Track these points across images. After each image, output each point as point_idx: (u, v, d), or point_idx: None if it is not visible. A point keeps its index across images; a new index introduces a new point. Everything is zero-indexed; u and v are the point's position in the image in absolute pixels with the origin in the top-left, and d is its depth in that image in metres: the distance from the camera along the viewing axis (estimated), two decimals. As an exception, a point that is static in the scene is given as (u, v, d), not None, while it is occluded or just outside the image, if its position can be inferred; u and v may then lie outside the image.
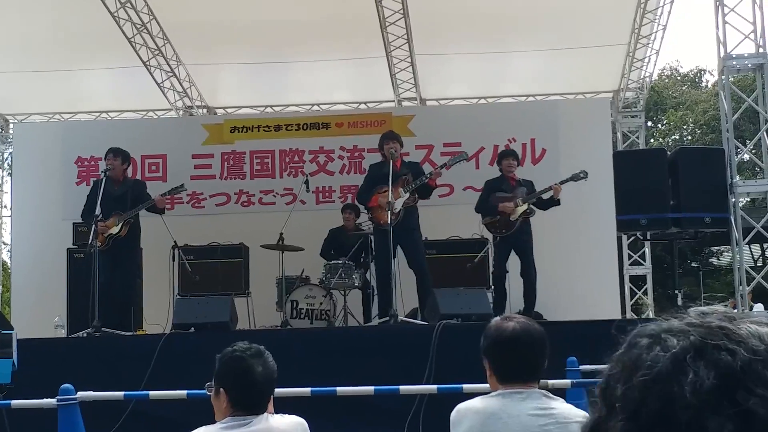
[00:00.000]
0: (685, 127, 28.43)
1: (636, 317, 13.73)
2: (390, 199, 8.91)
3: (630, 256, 13.85)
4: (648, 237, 10.41)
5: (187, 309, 8.92)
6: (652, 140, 26.68)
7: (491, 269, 10.15)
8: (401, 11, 11.48)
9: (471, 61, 13.38)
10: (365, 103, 14.30)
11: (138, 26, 11.95)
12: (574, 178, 9.48)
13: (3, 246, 16.13)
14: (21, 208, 13.62)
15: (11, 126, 14.83)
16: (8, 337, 7.02)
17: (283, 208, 12.14)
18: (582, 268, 12.21)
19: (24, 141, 13.95)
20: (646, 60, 13.17)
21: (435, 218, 10.81)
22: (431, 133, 12.84)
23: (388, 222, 8.86)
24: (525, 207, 9.43)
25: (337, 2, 11.60)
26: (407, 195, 9.16)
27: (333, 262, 10.09)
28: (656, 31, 12.42)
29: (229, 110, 14.55)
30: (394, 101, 13.99)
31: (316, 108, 14.27)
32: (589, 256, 12.29)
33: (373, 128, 12.54)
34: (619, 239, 13.25)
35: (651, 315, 13.81)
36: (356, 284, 10.02)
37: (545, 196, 9.51)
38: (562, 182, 9.47)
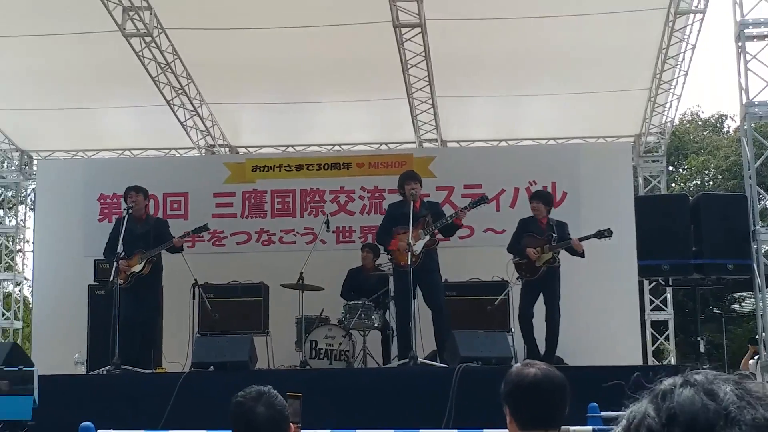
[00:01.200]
0: (706, 172, 28.35)
1: (657, 363, 13.63)
2: (410, 241, 8.91)
3: (652, 302, 13.76)
4: (670, 282, 10.36)
5: (207, 348, 8.92)
6: (673, 185, 26.62)
7: (516, 310, 10.08)
8: (423, 53, 11.56)
9: (492, 103, 13.44)
10: (386, 144, 14.36)
11: (162, 65, 12.08)
12: (598, 235, 9.38)
13: (25, 281, 16.21)
14: (43, 244, 13.69)
15: (35, 162, 14.97)
16: (29, 374, 7.05)
17: (304, 247, 12.16)
18: (604, 313, 12.14)
19: (47, 177, 14.06)
20: (668, 105, 13.19)
21: (455, 260, 10.80)
22: (452, 175, 12.86)
23: (408, 263, 8.86)
24: (549, 256, 9.39)
25: (360, 44, 11.70)
26: (427, 237, 9.16)
27: (353, 302, 10.08)
28: (678, 77, 12.45)
29: (250, 149, 14.64)
30: (415, 142, 14.04)
31: (337, 148, 14.34)
32: (611, 301, 12.22)
33: (394, 169, 12.57)
34: (641, 284, 13.17)
35: (673, 361, 13.72)
36: (376, 325, 10.00)
37: (569, 252, 9.48)
38: (583, 239, 9.43)
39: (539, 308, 9.63)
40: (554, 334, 9.37)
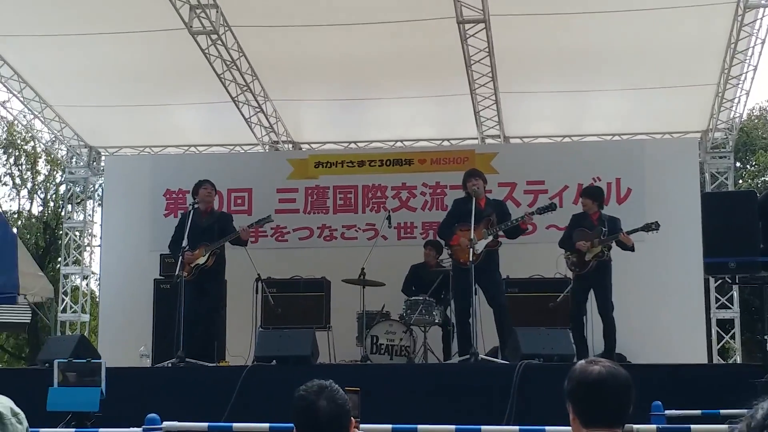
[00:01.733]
0: (775, 168, 27.77)
1: (723, 362, 13.43)
2: (472, 237, 8.89)
3: (717, 300, 13.54)
4: (736, 280, 10.16)
5: (270, 342, 8.99)
6: (741, 181, 26.12)
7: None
8: (486, 49, 11.51)
9: (555, 98, 13.34)
10: (448, 140, 14.32)
11: (228, 62, 12.20)
12: (646, 228, 9.44)
13: (92, 275, 16.50)
14: (110, 239, 13.94)
15: (103, 158, 15.23)
16: (97, 366, 7.19)
17: (365, 243, 12.21)
18: (668, 311, 11.99)
19: (115, 173, 14.31)
20: (736, 100, 12.95)
21: (517, 256, 10.74)
22: (514, 171, 12.80)
23: (469, 261, 8.83)
24: (598, 249, 9.35)
25: (423, 39, 11.69)
26: (490, 237, 9.12)
27: (414, 298, 10.09)
28: (747, 72, 12.21)
29: (313, 146, 14.72)
30: (477, 138, 13.99)
31: (399, 144, 14.35)
32: (676, 298, 12.07)
33: (456, 165, 12.56)
34: (707, 282, 12.97)
35: (738, 360, 13.49)
36: (436, 321, 9.99)
37: (620, 246, 9.45)
38: (630, 232, 9.40)
39: (592, 305, 9.56)
40: (611, 330, 9.27)
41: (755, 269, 9.30)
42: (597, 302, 9.47)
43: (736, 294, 13.49)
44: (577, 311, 9.61)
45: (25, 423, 2.20)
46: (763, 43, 11.56)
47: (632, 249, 9.49)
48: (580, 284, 9.60)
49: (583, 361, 3.18)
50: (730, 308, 13.53)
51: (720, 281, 12.99)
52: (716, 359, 13.24)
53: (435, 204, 12.92)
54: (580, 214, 9.83)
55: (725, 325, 13.73)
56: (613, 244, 9.44)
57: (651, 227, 9.44)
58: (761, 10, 11.04)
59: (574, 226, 9.73)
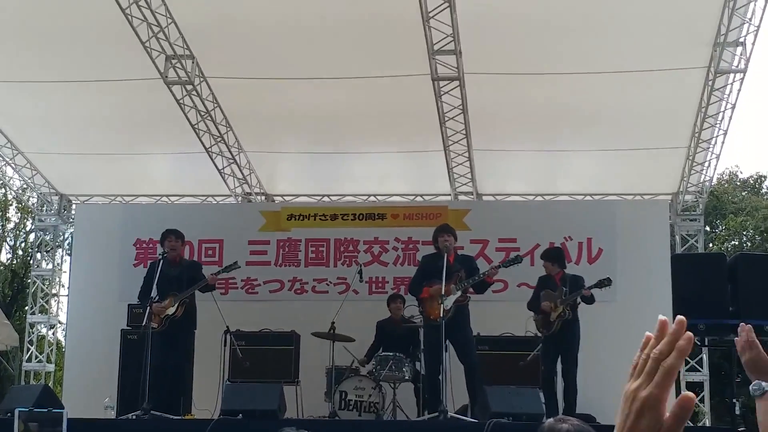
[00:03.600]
0: (744, 233, 28.07)
1: (692, 425, 13.39)
2: (442, 294, 8.88)
3: (687, 362, 13.55)
4: (706, 343, 10.20)
5: (236, 395, 8.89)
6: (711, 245, 26.35)
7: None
8: (460, 106, 11.60)
9: (528, 157, 13.44)
10: (421, 195, 14.36)
11: (202, 113, 12.21)
12: (599, 284, 9.67)
13: (59, 325, 16.30)
14: (78, 288, 13.79)
15: (74, 206, 15.13)
16: (59, 416, 7.06)
17: (336, 297, 12.14)
18: (637, 372, 11.96)
19: (85, 221, 14.20)
20: (706, 164, 13.09)
21: (488, 314, 10.73)
22: (487, 228, 12.83)
23: (439, 316, 8.82)
24: (560, 310, 9.57)
25: (397, 96, 11.77)
26: (459, 293, 9.13)
27: (383, 353, 10.02)
28: (717, 136, 12.37)
29: (286, 198, 14.71)
30: (450, 195, 14.03)
31: (372, 198, 14.36)
32: (645, 359, 12.05)
33: (429, 221, 12.57)
34: (675, 343, 12.96)
35: (708, 423, 13.46)
36: (406, 377, 9.92)
37: (578, 300, 9.73)
38: (588, 288, 9.69)
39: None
40: (572, 389, 9.41)
41: (724, 332, 9.32)
42: (562, 363, 9.65)
43: (705, 357, 13.51)
44: (547, 371, 9.73)
45: None
46: (733, 108, 11.72)
47: (591, 301, 9.79)
48: (548, 345, 9.75)
49: (552, 420, 3.16)
50: (699, 371, 13.54)
51: (690, 343, 12.99)
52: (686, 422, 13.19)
53: (407, 259, 12.91)
54: (544, 276, 10.06)
55: (695, 388, 13.72)
56: (579, 302, 9.62)
57: (603, 283, 9.67)
58: (731, 75, 11.20)
59: (539, 288, 9.99)
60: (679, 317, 1.42)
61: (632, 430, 1.32)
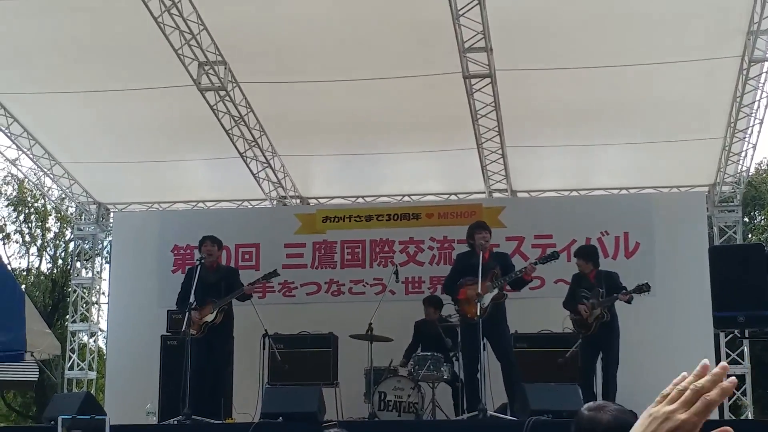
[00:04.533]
0: (784, 222, 27.70)
1: (734, 418, 13.27)
2: (479, 291, 8.86)
3: (728, 355, 13.41)
4: (746, 335, 10.09)
5: (276, 398, 8.92)
6: (750, 236, 26.04)
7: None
8: (493, 104, 11.57)
9: (562, 153, 13.37)
10: (456, 194, 14.34)
11: (236, 118, 12.27)
12: (637, 290, 9.58)
13: (99, 332, 16.47)
14: (118, 295, 13.92)
15: (111, 215, 15.27)
16: (101, 423, 7.13)
17: (373, 298, 12.15)
18: (678, 366, 11.66)
19: (123, 229, 14.34)
20: (743, 154, 12.96)
21: (526, 311, 10.71)
22: (522, 225, 12.79)
23: (476, 315, 8.80)
24: (598, 312, 9.47)
25: (429, 95, 11.76)
26: (496, 290, 9.10)
27: (422, 353, 10.02)
28: (753, 125, 12.25)
29: (321, 200, 14.75)
30: (484, 192, 14.00)
31: (406, 199, 14.37)
32: (686, 353, 11.94)
33: (464, 219, 12.53)
34: (717, 337, 12.87)
35: (750, 416, 13.33)
36: (445, 377, 9.90)
37: (615, 302, 9.64)
38: (626, 293, 9.57)
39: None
40: (611, 386, 9.37)
41: (765, 323, 9.23)
42: (603, 362, 9.56)
43: (746, 349, 13.37)
44: (586, 368, 9.66)
45: None
46: (768, 96, 11.60)
47: (629, 302, 9.66)
48: (587, 344, 9.69)
49: (592, 405, 3.09)
50: (740, 363, 13.39)
51: (730, 336, 12.88)
52: (728, 416, 13.07)
53: (443, 258, 12.89)
54: (578, 274, 9.95)
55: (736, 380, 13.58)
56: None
57: (642, 289, 9.57)
58: (766, 63, 11.09)
59: (574, 286, 9.85)
60: (723, 364, 1.43)
61: None
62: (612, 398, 9.28)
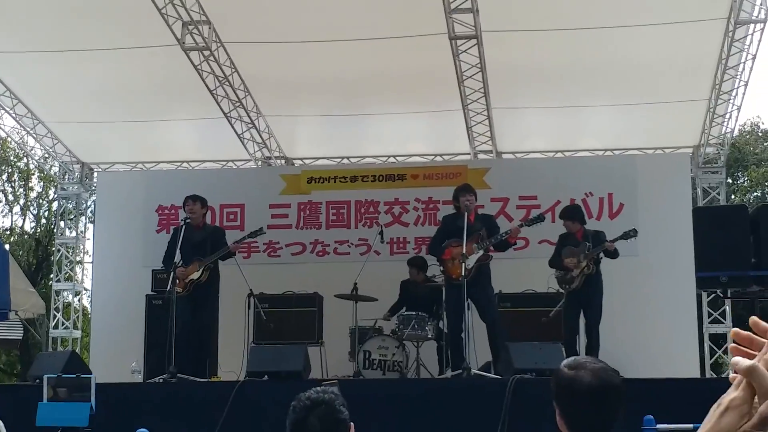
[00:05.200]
0: (767, 184, 27.87)
1: (715, 376, 13.42)
2: (464, 253, 8.89)
3: (710, 314, 13.55)
4: (728, 294, 10.21)
5: (261, 357, 8.97)
6: (733, 197, 26.20)
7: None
8: (478, 65, 11.54)
9: (548, 114, 13.38)
10: (441, 155, 14.35)
11: (220, 79, 12.21)
12: (624, 236, 9.63)
13: (84, 292, 16.46)
14: (102, 255, 13.90)
15: (95, 174, 15.22)
16: (87, 381, 7.16)
17: (358, 258, 12.18)
18: (660, 325, 11.99)
19: (107, 189, 14.28)
20: (727, 116, 13.00)
21: (510, 271, 10.76)
22: (507, 186, 12.81)
23: (461, 276, 8.84)
24: (584, 264, 9.51)
25: (415, 56, 11.72)
26: (481, 252, 9.14)
27: (406, 312, 10.08)
28: (737, 87, 12.27)
29: (306, 161, 14.73)
30: (469, 154, 14.01)
31: (392, 160, 14.36)
32: (668, 312, 12.07)
33: (449, 180, 12.55)
34: (699, 296, 12.99)
35: (731, 374, 13.48)
36: (429, 336, 9.97)
37: (603, 254, 9.63)
38: (614, 240, 9.61)
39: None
40: (595, 344, 9.44)
41: (746, 283, 9.33)
42: (585, 319, 9.63)
43: (728, 308, 13.51)
44: (569, 327, 9.73)
45: None
46: (753, 58, 11.62)
47: (615, 255, 9.68)
48: (571, 300, 9.73)
49: (571, 362, 3.06)
50: (722, 323, 13.54)
51: (713, 295, 13.00)
52: (709, 374, 13.23)
53: (428, 219, 12.92)
54: (565, 233, 9.98)
55: (718, 339, 13.73)
56: (602, 257, 9.57)
57: (629, 234, 9.64)
58: (752, 25, 11.09)
59: (561, 245, 9.90)
60: (753, 318, 1.42)
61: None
62: (596, 356, 9.36)
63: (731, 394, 1.33)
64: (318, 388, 3.08)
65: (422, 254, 11.45)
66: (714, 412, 1.34)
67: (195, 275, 9.52)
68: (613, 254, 9.66)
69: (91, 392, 7.15)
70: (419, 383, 9.27)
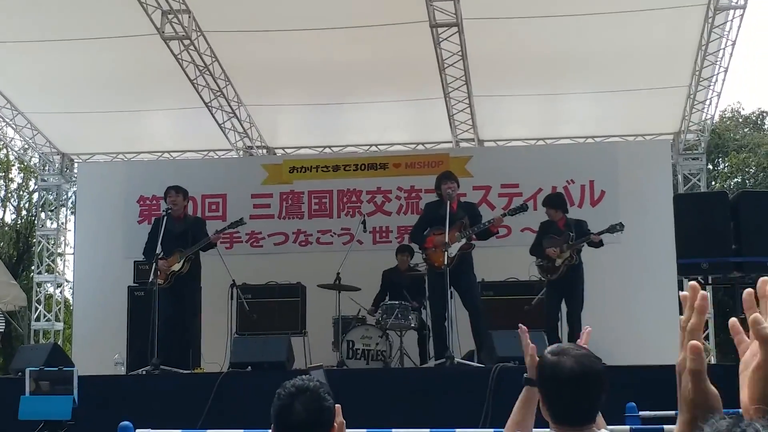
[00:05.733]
0: (747, 170, 28.03)
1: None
2: (446, 241, 8.90)
3: (691, 301, 13.59)
4: (709, 281, 10.25)
5: (245, 348, 8.96)
6: (713, 183, 26.33)
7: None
8: (459, 53, 11.54)
9: (529, 102, 13.40)
10: (423, 143, 14.35)
11: (200, 68, 12.16)
12: (611, 230, 9.61)
13: (66, 283, 16.40)
14: (83, 247, 13.83)
15: (76, 165, 15.13)
16: (69, 374, 7.13)
17: (341, 248, 12.19)
18: (642, 312, 12.04)
19: (88, 180, 14.20)
20: (707, 102, 13.05)
21: (492, 259, 10.78)
22: (489, 174, 12.82)
23: (444, 264, 8.84)
24: (567, 254, 9.52)
25: (396, 44, 11.70)
26: (463, 240, 9.14)
27: (389, 302, 10.09)
28: (717, 73, 12.31)
29: (288, 150, 14.70)
30: (451, 142, 14.02)
31: (373, 148, 14.35)
32: (649, 299, 12.12)
33: (431, 169, 12.55)
34: (680, 283, 13.04)
35: (713, 361, 13.57)
36: (412, 325, 9.99)
37: (587, 244, 9.64)
38: (600, 233, 9.60)
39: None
40: (577, 332, 9.39)
41: (728, 270, 9.38)
42: (568, 307, 9.65)
43: (710, 295, 13.56)
44: (551, 314, 9.76)
45: None
46: (733, 44, 11.66)
47: (600, 245, 9.69)
48: (553, 289, 9.75)
49: (555, 348, 3.09)
50: (704, 309, 13.57)
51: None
52: (691, 360, 13.28)
53: (410, 208, 12.92)
54: (546, 221, 9.97)
55: (699, 325, 13.78)
56: (584, 246, 9.60)
57: (616, 228, 9.60)
58: (732, 12, 11.12)
59: (542, 233, 9.89)
60: (691, 283, 1.48)
61: (681, 397, 1.40)
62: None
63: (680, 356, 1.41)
64: (303, 376, 3.09)
65: (404, 243, 11.45)
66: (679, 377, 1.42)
67: (176, 267, 9.49)
68: (597, 245, 9.68)
69: (74, 385, 7.12)
70: (403, 372, 9.29)
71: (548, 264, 9.69)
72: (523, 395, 3.41)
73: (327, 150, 14.48)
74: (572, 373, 2.93)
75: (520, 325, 3.63)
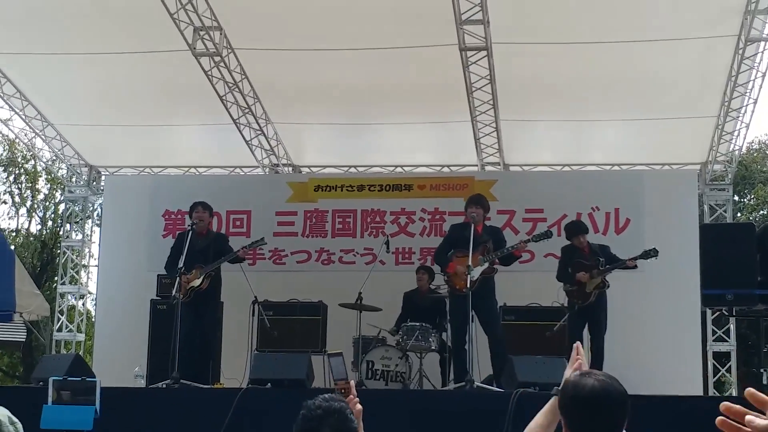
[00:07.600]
0: (774, 202, 27.80)
1: (718, 395, 13.39)
2: (469, 264, 8.88)
3: (714, 332, 13.51)
4: (734, 313, 10.16)
5: (265, 364, 8.96)
6: (739, 215, 26.15)
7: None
8: (488, 77, 11.55)
9: (556, 127, 13.38)
10: (448, 166, 14.35)
11: (230, 85, 12.23)
12: (645, 255, 9.63)
13: (88, 295, 16.47)
14: (108, 259, 13.92)
15: (103, 177, 15.24)
16: (92, 385, 7.16)
17: (363, 267, 12.19)
18: (664, 342, 11.97)
19: (114, 193, 14.31)
20: (736, 133, 12.98)
21: (515, 284, 10.74)
22: (513, 199, 12.81)
23: (466, 287, 8.83)
24: (598, 280, 9.49)
25: (425, 67, 11.74)
26: (486, 264, 9.13)
27: (410, 323, 10.06)
28: (747, 105, 12.26)
29: (313, 169, 14.74)
30: (477, 165, 14.01)
31: (399, 169, 14.37)
32: (673, 329, 12.05)
33: (455, 191, 12.57)
34: (704, 314, 12.96)
35: (734, 393, 13.45)
36: (433, 347, 9.96)
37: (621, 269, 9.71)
38: (633, 258, 9.67)
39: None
40: (599, 359, 9.40)
41: (752, 302, 9.29)
42: (591, 335, 9.60)
43: (732, 327, 13.47)
44: (573, 341, 9.67)
45: None
46: (763, 76, 11.61)
47: (635, 267, 9.81)
48: (577, 315, 9.68)
49: (577, 373, 3.10)
50: (726, 341, 13.50)
51: (717, 314, 12.96)
52: (712, 392, 13.19)
53: (433, 230, 12.92)
54: (569, 246, 9.96)
55: (721, 358, 13.69)
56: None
57: (650, 254, 9.62)
58: (762, 43, 11.09)
59: (567, 258, 9.84)
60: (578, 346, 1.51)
61: None
62: (600, 369, 9.34)
63: None
64: (326, 396, 3.06)
65: (427, 264, 11.43)
66: None
67: (196, 283, 9.52)
68: (631, 269, 9.78)
69: (97, 396, 7.15)
70: (422, 395, 9.26)
71: (578, 290, 9.62)
72: (551, 402, 3.36)
73: (352, 170, 14.51)
74: (593, 390, 2.91)
75: (576, 343, 3.52)
